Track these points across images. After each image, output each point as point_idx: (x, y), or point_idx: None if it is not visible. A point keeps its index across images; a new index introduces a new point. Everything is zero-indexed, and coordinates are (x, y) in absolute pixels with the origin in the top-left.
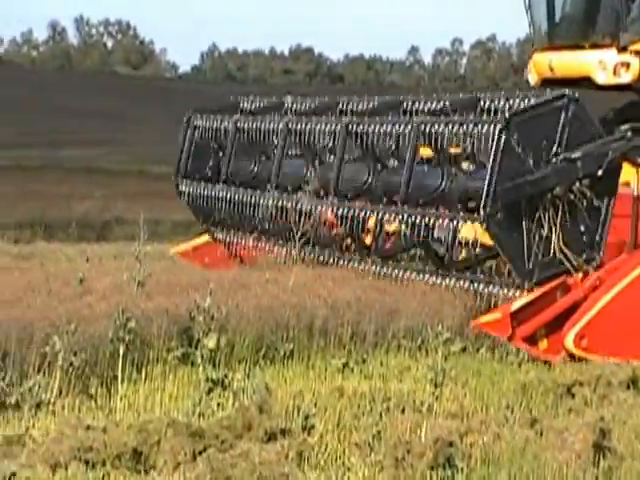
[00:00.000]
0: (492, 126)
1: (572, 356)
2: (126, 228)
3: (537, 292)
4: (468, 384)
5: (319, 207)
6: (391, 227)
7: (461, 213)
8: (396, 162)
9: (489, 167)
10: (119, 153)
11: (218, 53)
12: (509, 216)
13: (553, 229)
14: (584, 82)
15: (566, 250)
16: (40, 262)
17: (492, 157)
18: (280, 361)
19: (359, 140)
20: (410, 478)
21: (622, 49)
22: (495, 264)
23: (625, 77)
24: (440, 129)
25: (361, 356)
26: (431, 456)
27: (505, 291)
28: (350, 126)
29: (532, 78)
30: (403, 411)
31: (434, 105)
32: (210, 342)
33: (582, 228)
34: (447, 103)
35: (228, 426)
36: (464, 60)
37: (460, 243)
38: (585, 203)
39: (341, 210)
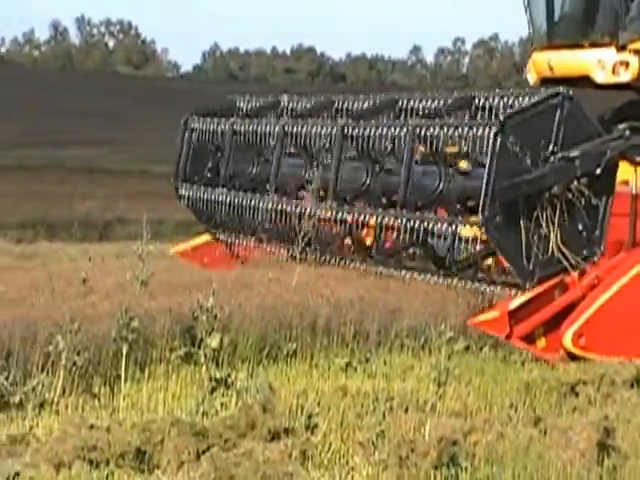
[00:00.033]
0: (487, 129)
1: (570, 355)
2: (128, 228)
3: (535, 291)
4: (471, 383)
5: (318, 211)
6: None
7: (460, 217)
8: (393, 162)
9: (486, 170)
10: (121, 153)
11: (220, 53)
12: (508, 218)
13: (551, 228)
14: (583, 81)
15: (564, 249)
16: (43, 262)
17: (488, 161)
18: (283, 360)
19: (355, 143)
20: (414, 477)
21: (621, 48)
22: (495, 262)
23: (624, 76)
24: (435, 132)
25: (364, 355)
26: (435, 455)
27: (507, 290)
28: (346, 129)
29: (531, 77)
30: (406, 410)
31: (429, 103)
32: (213, 341)
33: (580, 227)
34: (442, 101)
35: (232, 425)
36: (466, 59)
37: (460, 239)
38: (583, 202)
39: (340, 214)
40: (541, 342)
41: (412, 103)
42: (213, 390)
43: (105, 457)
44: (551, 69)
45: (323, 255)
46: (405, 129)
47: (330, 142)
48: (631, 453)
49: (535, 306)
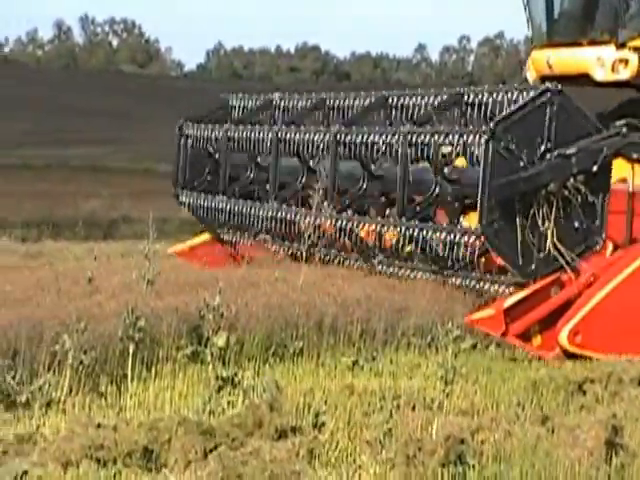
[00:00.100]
0: (478, 136)
1: (566, 352)
2: (133, 226)
3: (530, 288)
4: (478, 381)
5: (318, 220)
6: None
7: (459, 226)
8: (389, 161)
9: (480, 177)
10: (125, 152)
11: (224, 51)
12: (506, 221)
13: (548, 226)
14: (582, 79)
15: (560, 246)
16: (48, 261)
17: (482, 168)
18: (290, 359)
19: (348, 149)
20: (421, 475)
21: (621, 45)
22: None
23: (624, 74)
24: (426, 139)
25: (371, 354)
26: (442, 453)
27: (510, 289)
28: (339, 136)
29: (530, 75)
30: (414, 408)
31: (418, 100)
32: (220, 340)
33: (576, 224)
34: (431, 98)
35: (239, 424)
36: (472, 57)
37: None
38: (579, 199)
39: (340, 222)
40: (537, 340)
41: (402, 100)
42: (220, 389)
43: (112, 456)
44: (550, 67)
45: (327, 255)
46: (397, 136)
47: (323, 149)
48: (639, 451)
49: (531, 304)
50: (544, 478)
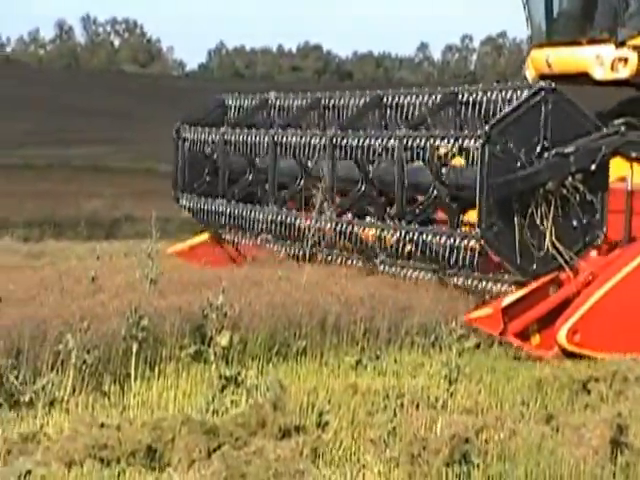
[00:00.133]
0: (473, 141)
1: (564, 351)
2: (135, 226)
3: (529, 287)
4: (482, 380)
5: (318, 223)
6: None
7: (458, 230)
8: (386, 161)
9: (477, 181)
10: (126, 151)
11: (225, 51)
12: (505, 222)
13: (546, 224)
14: (582, 78)
15: (559, 245)
16: (51, 260)
17: (478, 172)
18: (293, 358)
19: (345, 152)
20: (426, 474)
21: (620, 44)
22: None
23: (623, 72)
24: (422, 143)
25: (374, 353)
26: (447, 452)
27: (512, 288)
28: (335, 139)
29: (530, 74)
30: (418, 408)
31: (413, 99)
32: (223, 340)
33: (575, 223)
34: (425, 97)
35: (242, 423)
36: (474, 56)
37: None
38: (578, 198)
39: (340, 226)
40: (535, 339)
41: (396, 99)
42: (223, 388)
43: (116, 455)
44: (549, 66)
45: (329, 255)
46: (393, 140)
47: (319, 152)
48: None
49: (529, 303)
50: (549, 477)
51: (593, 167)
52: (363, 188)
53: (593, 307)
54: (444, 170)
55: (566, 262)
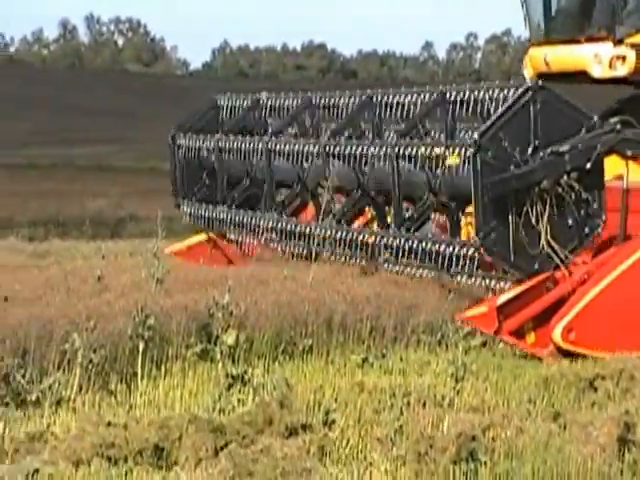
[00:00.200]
0: (464, 150)
1: (560, 350)
2: (140, 225)
3: (524, 286)
4: (489, 378)
5: (317, 231)
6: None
7: (457, 238)
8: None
9: (472, 190)
10: (130, 151)
11: (230, 50)
12: (503, 226)
13: (542, 223)
14: (580, 76)
15: (554, 244)
16: (56, 260)
17: (472, 180)
18: (299, 357)
19: (339, 159)
20: (433, 473)
21: (618, 42)
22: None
23: (621, 70)
24: (414, 151)
25: (380, 351)
26: (454, 450)
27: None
28: (328, 147)
29: (528, 73)
30: (424, 406)
31: (402, 98)
32: (229, 338)
33: (570, 221)
34: (414, 97)
35: (249, 421)
36: (479, 55)
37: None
38: (573, 196)
39: (340, 233)
40: (530, 337)
41: (386, 98)
42: (230, 387)
43: (123, 454)
44: (547, 64)
45: (332, 255)
46: (385, 148)
47: (312, 160)
48: None
49: (524, 301)
50: (556, 474)
51: (588, 165)
52: (359, 192)
53: (588, 305)
54: (439, 171)
55: (561, 260)
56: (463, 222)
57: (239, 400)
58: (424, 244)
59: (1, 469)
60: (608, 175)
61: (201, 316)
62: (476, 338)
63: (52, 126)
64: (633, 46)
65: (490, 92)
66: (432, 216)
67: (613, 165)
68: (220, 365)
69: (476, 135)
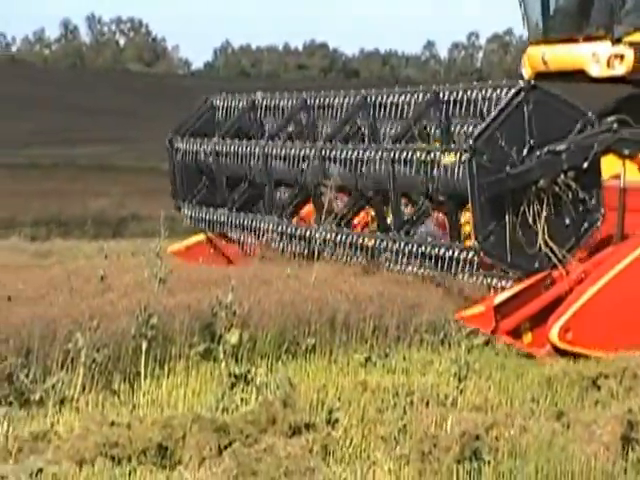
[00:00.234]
0: (458, 155)
1: (557, 349)
2: (142, 224)
3: (521, 285)
4: (492, 377)
5: (318, 234)
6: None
7: (457, 243)
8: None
9: (469, 195)
10: (132, 150)
11: (231, 49)
12: (501, 228)
13: (539, 222)
14: (578, 75)
15: (551, 243)
16: (59, 260)
17: (469, 185)
18: (302, 356)
19: (334, 163)
20: (436, 472)
21: (616, 41)
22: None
23: (619, 69)
24: (409, 156)
25: (384, 350)
26: (457, 450)
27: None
28: (324, 151)
29: (526, 72)
30: (427, 405)
31: (396, 98)
32: (232, 337)
33: (567, 221)
34: (408, 96)
35: (252, 421)
36: (480, 54)
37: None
38: (570, 196)
39: (340, 236)
40: (527, 337)
41: (379, 98)
42: (233, 386)
43: (127, 453)
44: (545, 63)
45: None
46: (380, 153)
47: (309, 164)
48: None
49: (521, 300)
50: (560, 473)
51: (585, 165)
52: (358, 194)
53: (586, 305)
54: (435, 172)
55: (559, 260)
56: (462, 220)
57: (242, 399)
58: (424, 248)
59: (5, 468)
60: (605, 174)
61: (204, 315)
62: (479, 337)
63: (54, 126)
64: (631, 45)
65: (483, 92)
66: (432, 214)
67: (610, 164)
68: (223, 364)
69: (471, 140)
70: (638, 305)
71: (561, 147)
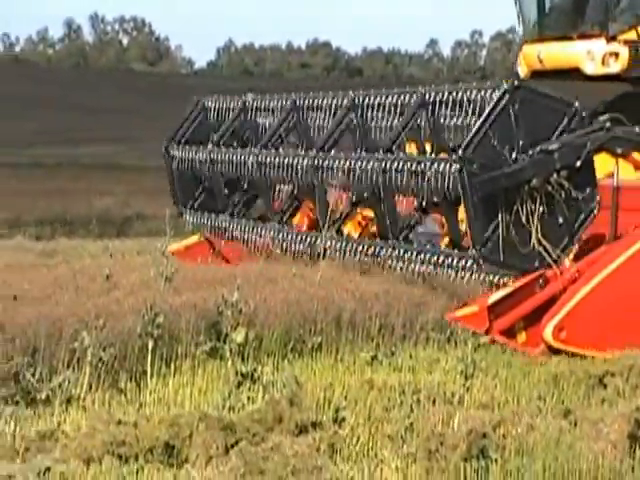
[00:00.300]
0: (449, 165)
1: (551, 348)
2: (146, 224)
3: (515, 285)
4: (498, 375)
5: (318, 240)
6: None
7: (455, 250)
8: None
9: (462, 203)
10: (135, 149)
11: (234, 48)
12: (496, 231)
13: (532, 221)
14: (573, 73)
15: (545, 242)
16: (64, 259)
17: (462, 194)
18: (308, 354)
19: (327, 171)
20: (443, 470)
21: (611, 39)
22: None
23: (614, 67)
24: (400, 166)
25: (390, 349)
26: (464, 448)
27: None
28: (316, 161)
29: (522, 70)
30: (434, 403)
31: (384, 99)
32: (238, 336)
33: (560, 220)
34: (394, 97)
35: (259, 419)
36: (484, 52)
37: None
38: (563, 194)
39: (340, 244)
40: (521, 336)
41: (367, 100)
42: (239, 384)
43: (134, 452)
44: (541, 62)
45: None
46: (371, 162)
47: (302, 174)
48: None
49: (515, 300)
50: (567, 471)
51: (578, 163)
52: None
53: (579, 304)
54: (429, 174)
55: (552, 259)
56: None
57: (249, 398)
58: (423, 255)
59: (12, 468)
60: (598, 173)
61: (210, 314)
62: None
63: (57, 125)
64: (626, 43)
65: (468, 93)
66: (430, 213)
67: (603, 163)
68: (229, 363)
69: (460, 151)
70: (631, 304)
71: (554, 146)
